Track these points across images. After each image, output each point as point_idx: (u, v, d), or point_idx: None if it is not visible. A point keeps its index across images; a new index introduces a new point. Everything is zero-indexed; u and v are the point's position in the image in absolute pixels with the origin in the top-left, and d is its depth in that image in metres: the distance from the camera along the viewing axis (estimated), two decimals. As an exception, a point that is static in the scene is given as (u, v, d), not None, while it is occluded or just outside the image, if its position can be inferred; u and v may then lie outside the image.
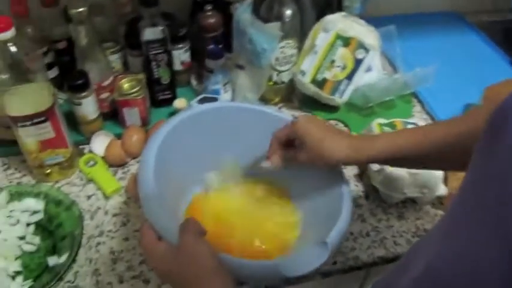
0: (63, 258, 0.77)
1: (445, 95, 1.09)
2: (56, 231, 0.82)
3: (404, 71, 1.12)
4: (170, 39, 0.98)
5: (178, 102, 0.99)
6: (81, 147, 0.97)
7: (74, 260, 0.78)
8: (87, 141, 0.96)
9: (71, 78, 0.89)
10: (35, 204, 0.84)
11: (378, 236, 0.83)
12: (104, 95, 0.96)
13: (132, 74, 1.00)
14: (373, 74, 1.08)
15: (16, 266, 0.77)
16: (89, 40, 0.89)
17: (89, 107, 0.92)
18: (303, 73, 1.01)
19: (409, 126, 0.91)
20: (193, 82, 1.12)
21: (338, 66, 1.00)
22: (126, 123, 0.97)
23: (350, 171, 0.94)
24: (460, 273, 0.36)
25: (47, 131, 0.83)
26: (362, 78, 1.03)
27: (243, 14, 0.94)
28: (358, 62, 1.00)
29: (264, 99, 1.08)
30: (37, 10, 0.96)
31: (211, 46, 0.97)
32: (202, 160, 0.79)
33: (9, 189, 0.86)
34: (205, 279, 0.55)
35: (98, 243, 0.81)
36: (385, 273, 0.58)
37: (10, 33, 0.72)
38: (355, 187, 0.91)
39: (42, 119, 0.81)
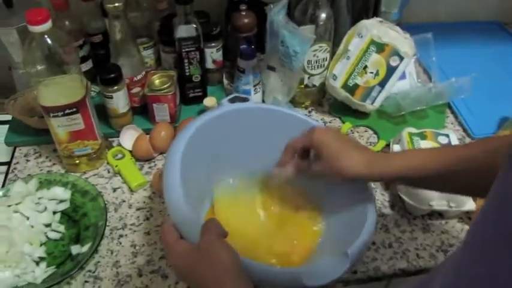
0: (86, 247, 0.79)
1: (480, 108, 1.06)
2: (81, 220, 0.84)
3: (439, 81, 1.09)
4: (203, 37, 0.98)
5: (208, 101, 0.99)
6: (110, 139, 0.99)
7: (96, 251, 0.79)
8: (117, 134, 0.98)
9: (103, 71, 0.91)
10: (62, 193, 0.86)
11: (401, 247, 0.81)
12: (135, 90, 0.97)
13: (164, 70, 1.01)
14: (407, 81, 1.05)
15: (41, 252, 0.79)
16: (124, 35, 0.91)
17: (119, 101, 0.93)
18: (335, 77, 1.00)
19: (440, 137, 0.89)
20: (225, 81, 1.13)
21: (371, 73, 0.98)
22: (155, 119, 0.98)
23: (376, 180, 0.92)
24: None
25: (77, 122, 0.84)
26: (394, 86, 1.01)
27: (276, 15, 0.93)
28: (391, 69, 0.98)
29: (294, 102, 1.07)
30: (76, 4, 0.99)
31: (244, 46, 0.97)
32: (229, 160, 0.79)
33: (39, 177, 0.89)
34: (224, 282, 0.55)
35: (120, 236, 0.83)
36: (405, 286, 0.56)
37: (47, 25, 0.74)
38: (381, 196, 0.90)
39: (73, 110, 0.83)
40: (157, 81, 0.97)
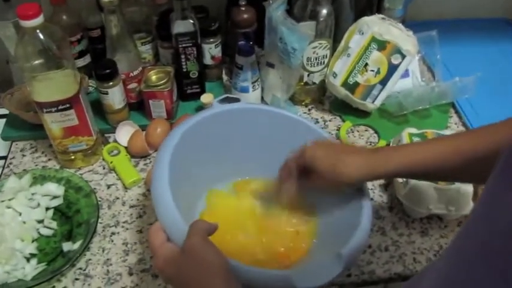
0: (77, 245, 0.78)
1: (486, 108, 1.03)
2: (74, 217, 0.83)
3: (444, 79, 1.06)
4: (202, 33, 0.97)
5: (205, 97, 0.98)
6: (107, 135, 0.98)
7: (87, 248, 0.79)
8: (114, 130, 0.97)
9: (98, 67, 0.90)
10: (56, 189, 0.86)
11: (398, 251, 0.79)
12: (132, 86, 0.96)
13: (161, 66, 1.00)
14: (409, 80, 1.03)
15: (32, 248, 0.78)
16: (120, 30, 0.89)
17: (115, 97, 0.92)
18: (335, 75, 0.98)
19: (441, 138, 0.87)
20: (224, 77, 1.11)
21: (371, 71, 0.96)
22: (152, 115, 0.97)
23: (375, 181, 0.90)
24: None
25: (70, 118, 0.84)
26: (397, 84, 0.98)
27: (275, 11, 0.91)
28: (392, 67, 0.95)
29: (294, 100, 1.05)
30: (73, -2, 0.98)
31: (242, 42, 0.95)
32: (220, 162, 0.77)
33: (33, 172, 0.88)
34: (210, 284, 0.53)
35: (113, 233, 0.82)
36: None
37: (38, 20, 0.73)
38: (379, 197, 0.88)
39: (67, 106, 0.82)
40: (154, 77, 0.96)
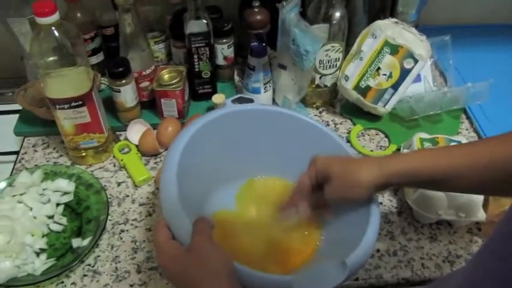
0: (87, 241, 0.78)
1: (497, 114, 1.02)
2: (84, 214, 0.84)
3: (456, 85, 1.06)
4: (215, 33, 0.97)
5: (217, 98, 0.98)
6: (118, 133, 0.99)
7: (96, 245, 0.79)
8: (125, 128, 0.97)
9: (112, 64, 0.90)
10: (66, 185, 0.86)
11: (406, 256, 0.79)
12: (144, 84, 0.97)
13: (174, 65, 1.00)
14: (421, 85, 1.02)
15: (42, 243, 0.79)
16: (134, 28, 0.90)
17: (127, 95, 0.93)
18: (347, 78, 0.98)
19: (453, 144, 0.86)
20: (236, 78, 1.11)
21: (384, 75, 0.95)
22: (163, 114, 0.98)
23: (385, 185, 0.90)
24: None
25: (83, 115, 0.84)
26: (408, 89, 0.98)
27: (289, 13, 0.92)
28: (405, 72, 0.95)
29: (305, 102, 1.05)
30: (88, -5, 0.99)
31: (254, 43, 0.95)
32: (229, 162, 0.77)
33: (45, 168, 0.89)
34: (213, 284, 0.53)
35: (122, 231, 0.82)
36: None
37: (54, 17, 0.74)
38: (388, 202, 0.88)
39: (80, 103, 0.83)
40: (166, 76, 0.96)
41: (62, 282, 0.75)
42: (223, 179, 0.80)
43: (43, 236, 0.80)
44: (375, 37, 0.95)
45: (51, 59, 0.78)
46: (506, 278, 0.31)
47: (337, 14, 0.93)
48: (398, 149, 0.95)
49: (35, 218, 0.82)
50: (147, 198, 0.87)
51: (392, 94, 0.97)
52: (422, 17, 1.11)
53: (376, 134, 1.01)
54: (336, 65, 0.99)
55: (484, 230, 0.83)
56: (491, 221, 0.80)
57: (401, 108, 1.00)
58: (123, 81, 0.91)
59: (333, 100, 1.07)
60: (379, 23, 0.96)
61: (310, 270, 0.67)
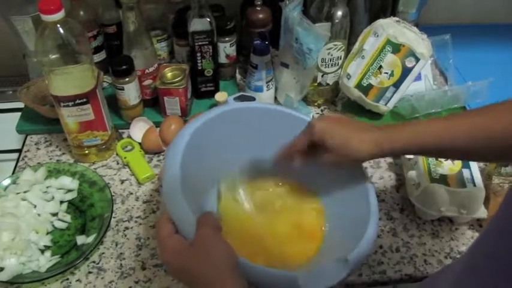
0: (91, 238, 0.79)
1: (497, 113, 1.03)
2: (87, 211, 0.84)
3: (456, 83, 1.07)
4: (218, 31, 0.98)
5: (219, 96, 0.98)
6: (121, 131, 0.99)
7: (101, 242, 0.79)
8: (128, 125, 0.98)
9: (115, 62, 0.91)
10: (70, 183, 0.87)
11: (408, 252, 0.80)
12: (147, 82, 0.97)
13: (177, 64, 1.01)
14: (422, 83, 1.03)
15: (46, 240, 0.79)
16: (137, 26, 0.90)
17: (130, 93, 0.93)
18: (349, 76, 0.98)
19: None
20: (238, 76, 1.12)
21: (385, 73, 0.96)
22: (166, 112, 0.98)
23: (387, 182, 0.91)
24: None
25: (87, 112, 0.84)
26: (409, 87, 0.99)
27: (292, 11, 0.92)
28: (406, 70, 0.96)
29: (307, 100, 1.06)
30: (91, -6, 0.99)
31: (257, 41, 0.96)
32: (231, 159, 0.77)
33: (48, 166, 0.89)
34: (217, 277, 0.52)
35: (126, 228, 0.82)
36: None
37: (60, 14, 0.74)
38: (390, 199, 0.88)
39: (84, 100, 0.83)
40: (169, 74, 0.97)
41: (67, 279, 0.75)
42: (225, 173, 0.80)
43: (47, 233, 0.80)
44: (377, 36, 0.96)
45: (56, 56, 0.78)
46: (497, 274, 0.32)
47: (339, 13, 0.94)
48: (400, 147, 0.95)
49: (39, 215, 0.82)
50: (151, 195, 0.88)
51: (394, 92, 0.97)
52: (422, 16, 1.11)
53: (377, 132, 1.02)
54: (338, 63, 1.00)
55: (485, 227, 0.84)
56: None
57: (403, 106, 1.01)
58: (127, 79, 0.91)
59: (335, 98, 1.07)
60: (381, 21, 0.97)
61: (313, 266, 0.68)
